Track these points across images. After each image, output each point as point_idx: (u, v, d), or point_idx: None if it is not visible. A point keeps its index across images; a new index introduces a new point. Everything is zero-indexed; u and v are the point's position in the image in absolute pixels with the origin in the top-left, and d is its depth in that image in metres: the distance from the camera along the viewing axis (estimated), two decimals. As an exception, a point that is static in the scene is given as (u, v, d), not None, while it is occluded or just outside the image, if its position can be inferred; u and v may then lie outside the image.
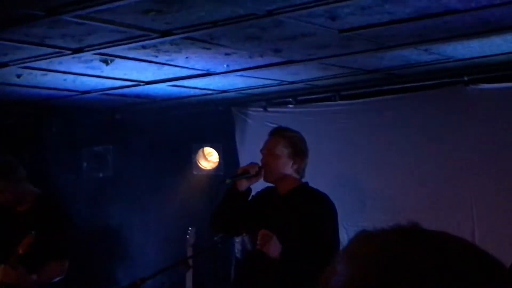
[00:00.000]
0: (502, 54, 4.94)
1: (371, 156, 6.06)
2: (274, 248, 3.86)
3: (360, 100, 6.21)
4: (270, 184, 4.34)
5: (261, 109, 6.77)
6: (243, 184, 4.21)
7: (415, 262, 0.91)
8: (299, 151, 4.23)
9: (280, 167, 4.18)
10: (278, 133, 4.33)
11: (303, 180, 4.31)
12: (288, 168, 4.19)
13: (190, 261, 5.66)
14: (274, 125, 6.77)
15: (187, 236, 6.03)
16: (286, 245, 3.89)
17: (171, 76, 5.60)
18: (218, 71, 5.42)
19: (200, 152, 7.05)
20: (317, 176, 6.03)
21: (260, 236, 3.91)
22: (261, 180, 4.32)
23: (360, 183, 6.13)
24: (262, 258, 3.94)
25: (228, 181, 4.30)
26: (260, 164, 4.26)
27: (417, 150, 5.82)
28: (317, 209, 4.10)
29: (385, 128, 6.03)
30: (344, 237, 6.00)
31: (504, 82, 5.41)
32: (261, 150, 4.31)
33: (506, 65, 5.25)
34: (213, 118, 6.90)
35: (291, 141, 4.23)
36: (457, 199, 5.50)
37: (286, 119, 6.50)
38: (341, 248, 4.46)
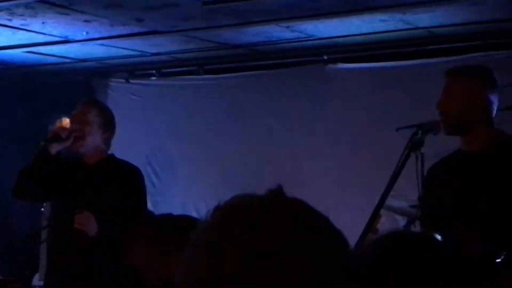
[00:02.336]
0: (360, 34, 5.08)
1: (232, 131, 6.10)
2: (92, 228, 3.85)
3: (224, 75, 6.23)
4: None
5: (123, 80, 6.64)
6: (53, 148, 4.10)
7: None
8: (109, 122, 4.21)
9: (89, 135, 4.12)
10: (91, 102, 4.30)
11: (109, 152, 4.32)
12: (97, 137, 4.16)
13: (44, 233, 5.50)
14: (137, 97, 6.72)
15: (42, 209, 5.86)
16: (101, 222, 3.87)
17: (26, 41, 5.36)
18: (77, 38, 5.24)
19: (57, 123, 6.80)
20: (174, 148, 6.04)
21: (79, 217, 3.87)
22: None
23: (220, 158, 6.15)
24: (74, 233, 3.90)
25: (42, 143, 4.16)
26: (66, 128, 4.17)
27: (276, 126, 5.91)
28: (127, 180, 4.11)
29: (247, 104, 6.08)
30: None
31: (360, 62, 5.58)
32: (71, 118, 4.22)
33: (364, 46, 5.41)
34: (72, 87, 6.67)
35: (103, 112, 4.20)
36: (314, 174, 5.63)
37: (149, 91, 6.42)
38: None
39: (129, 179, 4.12)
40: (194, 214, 5.86)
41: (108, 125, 4.18)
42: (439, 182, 3.38)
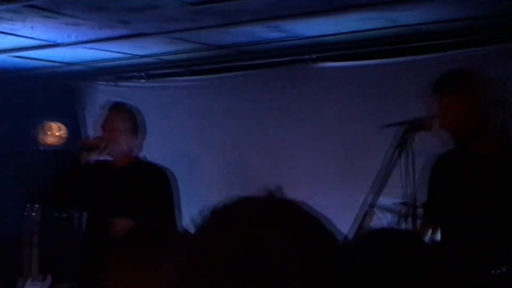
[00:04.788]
0: (346, 33, 5.11)
1: (219, 131, 6.13)
2: None
3: (210, 76, 6.25)
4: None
5: (112, 83, 6.65)
6: (88, 158, 4.13)
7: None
8: (139, 125, 4.25)
9: (124, 142, 4.15)
10: (119, 108, 4.31)
11: (141, 154, 4.34)
12: (131, 143, 4.19)
13: (36, 238, 5.50)
14: (126, 100, 6.71)
15: (33, 213, 5.84)
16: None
17: (14, 46, 5.36)
18: (65, 42, 5.25)
19: (44, 127, 6.81)
20: (166, 150, 6.05)
21: (117, 224, 3.87)
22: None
23: (209, 157, 6.18)
24: (108, 239, 3.88)
25: (82, 153, 4.19)
26: (104, 138, 4.20)
27: (264, 126, 5.94)
28: (157, 183, 4.13)
29: (234, 104, 6.10)
30: (195, 211, 6.06)
31: (348, 60, 5.61)
32: (103, 126, 4.25)
33: (350, 44, 5.44)
34: (61, 91, 6.68)
35: (131, 116, 4.24)
36: (297, 176, 5.64)
37: (137, 94, 6.44)
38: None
39: (160, 181, 4.13)
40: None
41: (138, 128, 4.20)
42: (447, 181, 3.42)
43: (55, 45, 5.34)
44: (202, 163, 6.19)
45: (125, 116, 4.20)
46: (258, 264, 0.93)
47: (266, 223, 0.98)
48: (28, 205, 5.54)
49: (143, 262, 1.70)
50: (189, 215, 5.54)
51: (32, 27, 4.73)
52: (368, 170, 4.94)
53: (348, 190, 5.16)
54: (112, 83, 6.66)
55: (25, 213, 5.50)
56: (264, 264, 0.93)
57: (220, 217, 1.01)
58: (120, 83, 6.63)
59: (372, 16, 4.67)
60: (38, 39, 5.14)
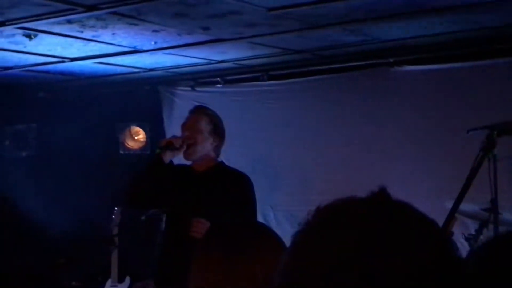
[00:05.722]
0: (427, 36, 5.03)
1: (298, 136, 6.10)
2: None
3: (288, 81, 6.24)
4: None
5: (189, 88, 6.73)
6: (166, 157, 4.18)
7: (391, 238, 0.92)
8: (219, 129, 4.27)
9: (201, 143, 4.19)
10: (201, 110, 4.36)
11: (218, 159, 4.36)
12: (208, 145, 4.22)
13: (116, 240, 5.62)
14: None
15: (113, 216, 5.97)
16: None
17: (97, 52, 5.49)
18: (145, 48, 5.34)
19: (126, 132, 6.96)
20: (243, 155, 6.07)
21: (195, 223, 3.89)
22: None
23: (288, 163, 6.16)
24: (186, 240, 3.91)
25: (158, 151, 4.25)
26: (180, 137, 4.24)
27: (343, 131, 5.89)
28: (237, 188, 4.13)
29: (313, 109, 6.07)
30: (271, 217, 6.07)
31: (428, 64, 5.52)
32: (183, 126, 4.30)
33: (430, 47, 5.36)
34: (140, 96, 6.82)
35: (213, 120, 4.27)
36: (379, 180, 5.57)
37: (214, 99, 6.48)
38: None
39: (238, 186, 4.15)
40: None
41: (218, 133, 4.25)
42: None
43: (135, 51, 5.43)
44: (280, 169, 6.18)
45: (206, 119, 4.25)
46: (368, 262, 0.90)
47: (376, 221, 0.94)
48: (115, 208, 5.68)
49: (232, 261, 1.69)
50: (266, 222, 5.56)
51: (113, 34, 4.83)
52: (450, 175, 4.86)
53: (431, 195, 5.07)
54: (189, 88, 6.73)
55: (113, 216, 5.64)
56: (374, 263, 0.90)
57: (327, 216, 0.98)
58: (198, 88, 6.70)
59: (453, 19, 4.58)
60: (119, 45, 5.24)
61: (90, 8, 4.13)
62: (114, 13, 4.25)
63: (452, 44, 5.26)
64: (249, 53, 5.65)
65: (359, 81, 5.84)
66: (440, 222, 3.25)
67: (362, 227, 0.94)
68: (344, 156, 5.86)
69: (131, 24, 4.55)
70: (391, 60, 5.62)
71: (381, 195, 1.00)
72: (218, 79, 6.54)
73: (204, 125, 4.23)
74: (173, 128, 6.51)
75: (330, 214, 0.98)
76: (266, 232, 1.79)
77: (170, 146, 4.18)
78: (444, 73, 5.43)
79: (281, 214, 6.00)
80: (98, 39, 4.99)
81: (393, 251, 0.91)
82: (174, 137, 4.29)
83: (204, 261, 1.74)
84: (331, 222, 0.96)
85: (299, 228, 0.99)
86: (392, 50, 5.49)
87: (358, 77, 5.83)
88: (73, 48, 5.31)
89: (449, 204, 3.60)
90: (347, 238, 0.93)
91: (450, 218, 3.10)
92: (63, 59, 5.74)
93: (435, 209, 3.52)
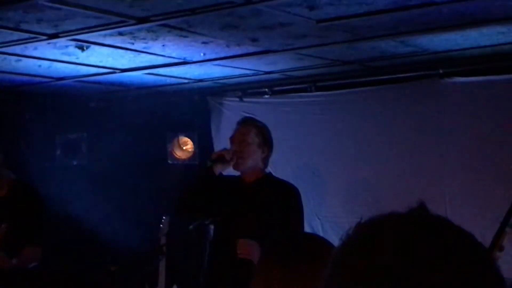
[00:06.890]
0: (477, 47, 4.99)
1: (346, 148, 6.09)
2: (257, 256, 3.87)
3: (336, 92, 6.23)
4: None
5: (237, 99, 6.77)
6: (217, 169, 4.23)
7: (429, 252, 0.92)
8: (268, 141, 4.30)
9: (251, 155, 4.22)
10: (249, 122, 4.39)
11: (266, 170, 4.38)
12: (257, 157, 4.25)
13: (164, 249, 5.66)
14: (250, 116, 6.82)
15: (161, 225, 6.02)
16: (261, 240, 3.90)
17: (147, 64, 5.57)
18: (194, 59, 5.40)
19: (175, 141, 7.04)
20: (290, 166, 6.08)
21: (241, 245, 3.93)
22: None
23: (335, 174, 6.15)
24: (232, 255, 3.94)
25: (209, 163, 4.30)
26: (230, 150, 4.29)
27: (392, 142, 5.86)
28: (285, 200, 4.15)
29: (361, 120, 6.05)
30: (319, 228, 6.05)
31: (476, 75, 5.46)
32: (232, 138, 4.33)
33: (480, 58, 5.31)
34: (189, 107, 6.89)
35: (261, 131, 4.30)
36: (432, 191, 5.55)
37: (262, 110, 6.52)
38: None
39: (287, 198, 4.18)
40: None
41: (267, 144, 4.30)
42: None
43: (184, 62, 5.50)
44: (327, 180, 6.17)
45: (255, 131, 4.28)
46: (407, 279, 0.89)
47: (416, 237, 0.94)
48: (164, 217, 5.73)
49: (294, 276, 1.69)
50: (313, 232, 5.54)
51: (163, 45, 4.90)
52: (504, 187, 4.80)
53: (484, 207, 5.00)
54: (237, 99, 6.77)
55: (161, 225, 5.69)
56: (413, 280, 0.89)
57: (368, 231, 0.98)
58: (246, 99, 6.74)
59: (503, 31, 4.54)
60: (169, 57, 5.31)
61: (141, 20, 4.20)
62: (165, 25, 4.31)
63: (503, 56, 5.20)
64: (297, 64, 5.67)
65: (407, 92, 5.81)
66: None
67: (399, 244, 0.93)
68: (391, 168, 5.82)
69: (181, 36, 4.61)
70: (441, 71, 5.58)
71: (420, 210, 0.99)
72: (266, 89, 6.57)
73: (253, 137, 4.26)
74: (220, 138, 6.56)
75: (369, 230, 0.98)
76: (324, 243, 1.78)
77: (221, 159, 4.22)
78: (494, 84, 5.37)
79: (328, 225, 6.00)
80: (149, 51, 5.06)
81: (433, 268, 0.90)
82: (225, 150, 4.34)
83: (264, 282, 1.74)
84: (369, 238, 0.96)
85: (339, 243, 1.00)
86: (441, 61, 5.45)
87: (407, 88, 5.80)
88: (124, 60, 5.40)
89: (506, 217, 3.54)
90: (385, 255, 0.92)
91: (501, 232, 3.05)
92: (114, 70, 5.84)
93: (492, 220, 3.48)
